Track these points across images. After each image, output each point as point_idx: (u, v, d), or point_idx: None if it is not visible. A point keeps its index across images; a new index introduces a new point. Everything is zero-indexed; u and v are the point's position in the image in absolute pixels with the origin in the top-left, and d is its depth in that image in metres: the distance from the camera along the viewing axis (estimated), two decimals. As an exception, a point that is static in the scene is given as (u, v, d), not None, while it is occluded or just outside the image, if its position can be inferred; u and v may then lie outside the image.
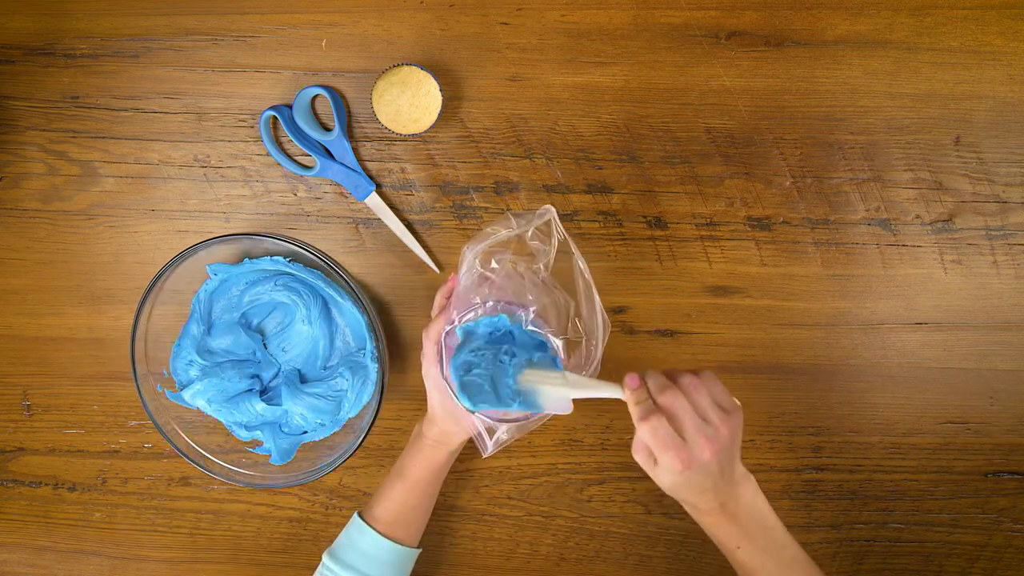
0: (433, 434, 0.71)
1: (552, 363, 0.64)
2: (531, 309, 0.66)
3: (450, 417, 0.69)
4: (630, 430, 0.79)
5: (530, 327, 0.67)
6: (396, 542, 0.70)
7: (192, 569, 0.85)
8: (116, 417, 0.82)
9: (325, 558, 0.71)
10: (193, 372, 0.76)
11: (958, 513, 0.79)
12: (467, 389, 0.63)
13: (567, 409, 0.62)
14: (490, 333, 0.70)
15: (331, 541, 0.82)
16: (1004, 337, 0.76)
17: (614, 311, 0.77)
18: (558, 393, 0.61)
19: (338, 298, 0.76)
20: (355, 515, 0.72)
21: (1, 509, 0.85)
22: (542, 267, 0.67)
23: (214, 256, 0.76)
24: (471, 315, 0.66)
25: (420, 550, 0.74)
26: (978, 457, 0.78)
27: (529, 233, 0.65)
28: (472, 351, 0.65)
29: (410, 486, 0.71)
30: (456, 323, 0.66)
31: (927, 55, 0.73)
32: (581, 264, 0.64)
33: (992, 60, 0.72)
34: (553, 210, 0.63)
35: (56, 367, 0.82)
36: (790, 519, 0.79)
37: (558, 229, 0.64)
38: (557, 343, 0.67)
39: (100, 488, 0.84)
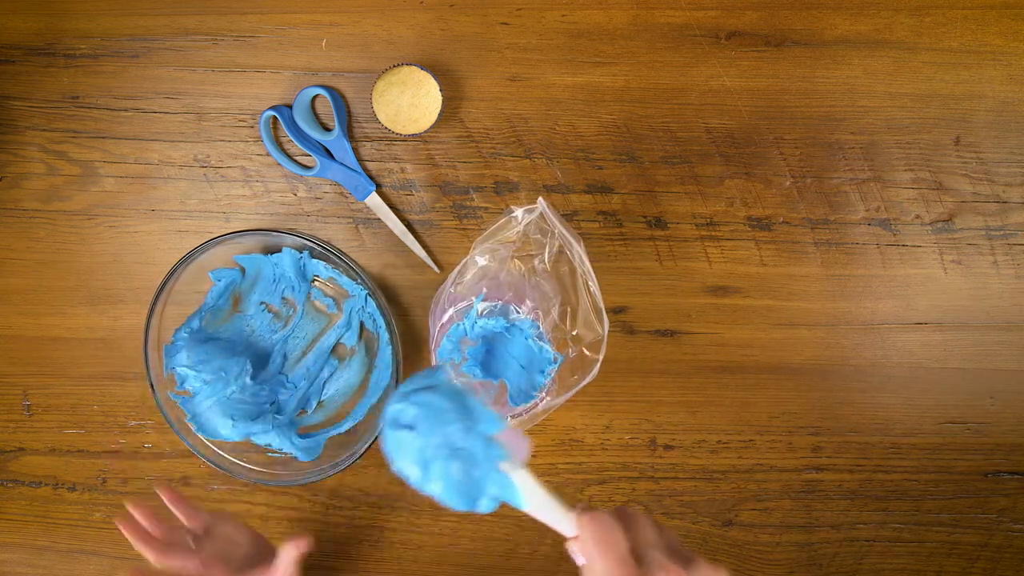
0: None
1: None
2: (524, 308, 0.66)
3: None
4: (630, 430, 0.79)
5: (533, 340, 0.67)
6: None
7: (192, 569, 0.85)
8: (116, 417, 0.82)
9: None
10: (225, 430, 0.76)
11: (958, 513, 0.79)
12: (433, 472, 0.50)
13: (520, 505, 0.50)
14: (483, 336, 0.70)
15: (331, 541, 0.82)
16: (1004, 337, 0.76)
17: (614, 311, 0.77)
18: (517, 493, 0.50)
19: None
20: None
21: (1, 509, 0.85)
22: (537, 263, 0.67)
23: (215, 257, 0.76)
24: (465, 305, 0.66)
25: None
26: (978, 457, 0.78)
27: (523, 227, 0.64)
28: (411, 402, 0.51)
29: None
30: (453, 318, 0.66)
31: (927, 55, 0.73)
32: (577, 254, 0.63)
33: (992, 60, 0.72)
34: (544, 204, 0.62)
35: (56, 367, 0.82)
36: (790, 519, 0.80)
37: (550, 223, 0.63)
38: (553, 350, 0.67)
39: (100, 488, 0.84)
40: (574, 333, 0.68)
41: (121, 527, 0.63)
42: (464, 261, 0.67)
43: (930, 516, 0.79)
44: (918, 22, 0.72)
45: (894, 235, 0.75)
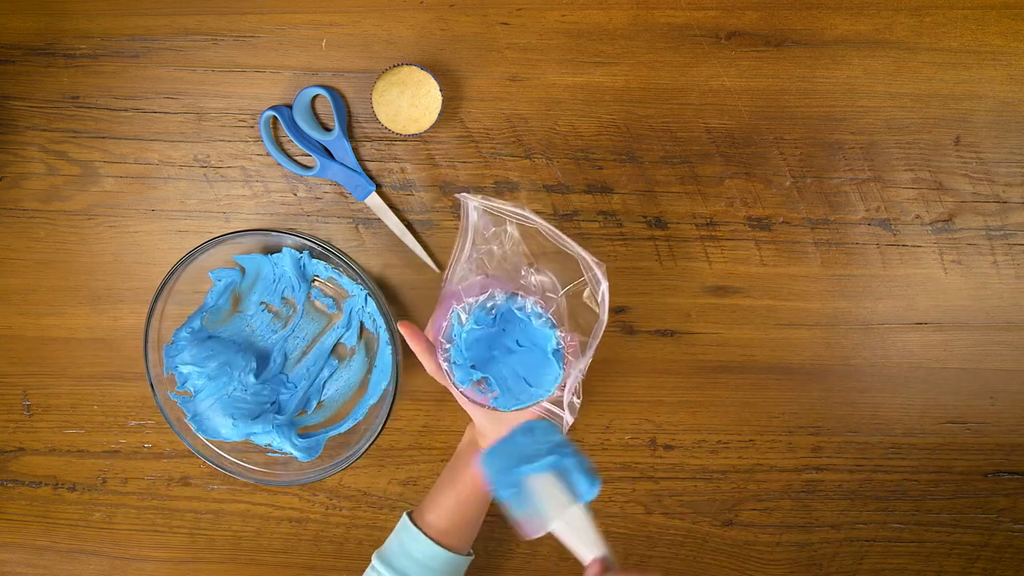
0: (487, 445, 0.68)
1: (569, 483, 0.61)
2: (532, 299, 0.65)
3: (501, 424, 0.66)
4: (630, 430, 0.79)
5: (538, 323, 0.65)
6: (449, 550, 0.68)
7: (192, 569, 0.85)
8: (116, 417, 0.82)
9: (375, 561, 0.69)
10: (225, 430, 0.76)
11: (958, 513, 0.79)
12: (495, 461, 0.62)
13: (536, 533, 0.59)
14: (493, 319, 0.67)
15: (331, 541, 0.82)
16: (1004, 337, 0.76)
17: (614, 311, 0.77)
18: (545, 517, 0.59)
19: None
20: (404, 517, 0.70)
21: (1, 509, 0.85)
22: (496, 248, 0.66)
23: (215, 257, 0.76)
24: (478, 298, 0.64)
25: (472, 557, 0.72)
26: (978, 457, 0.78)
27: (471, 225, 0.64)
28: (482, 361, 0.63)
29: (464, 497, 0.69)
30: (463, 305, 0.65)
31: (927, 55, 0.73)
32: (539, 225, 0.62)
33: (992, 60, 0.72)
34: (468, 197, 0.63)
35: (56, 367, 0.82)
36: (790, 519, 0.80)
37: (494, 210, 0.63)
38: (564, 337, 0.64)
39: (100, 488, 0.84)
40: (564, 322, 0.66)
41: (403, 329, 0.66)
42: (469, 225, 0.65)
43: (930, 516, 0.79)
44: (918, 22, 0.72)
45: (894, 235, 0.75)
